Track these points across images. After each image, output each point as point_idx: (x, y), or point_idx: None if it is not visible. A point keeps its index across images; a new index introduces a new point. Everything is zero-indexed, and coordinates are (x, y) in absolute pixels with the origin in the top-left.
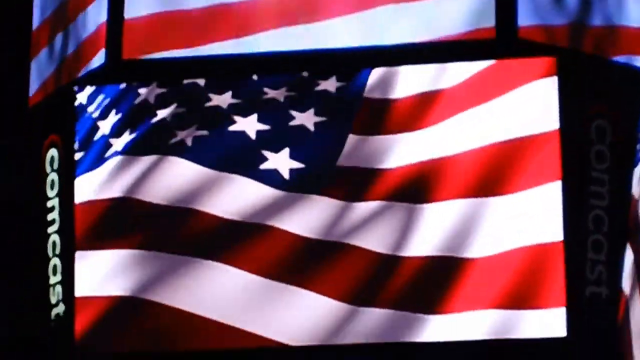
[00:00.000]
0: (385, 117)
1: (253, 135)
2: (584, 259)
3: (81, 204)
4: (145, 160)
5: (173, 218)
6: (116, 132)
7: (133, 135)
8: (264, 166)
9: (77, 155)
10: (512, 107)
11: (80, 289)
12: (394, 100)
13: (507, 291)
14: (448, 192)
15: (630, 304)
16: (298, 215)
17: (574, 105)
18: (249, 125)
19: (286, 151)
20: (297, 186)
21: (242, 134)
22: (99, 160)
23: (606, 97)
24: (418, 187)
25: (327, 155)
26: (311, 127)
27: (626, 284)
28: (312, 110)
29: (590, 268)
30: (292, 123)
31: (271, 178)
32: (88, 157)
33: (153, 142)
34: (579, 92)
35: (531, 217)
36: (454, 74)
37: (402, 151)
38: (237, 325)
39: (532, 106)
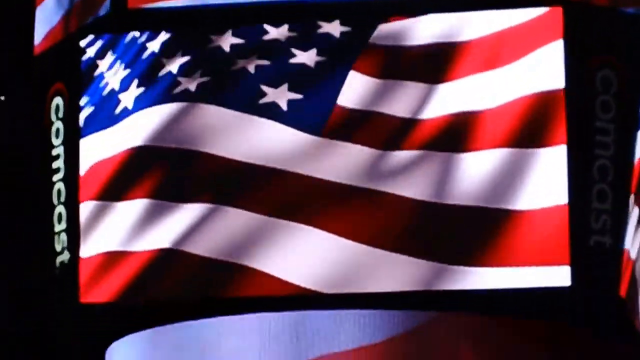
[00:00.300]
0: (394, 64)
1: (252, 70)
2: (588, 209)
3: (101, 161)
4: (158, 111)
5: (189, 162)
6: (125, 87)
7: (142, 89)
8: (263, 100)
9: (87, 111)
10: (530, 66)
11: (107, 243)
12: (403, 48)
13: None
14: (474, 144)
15: (637, 268)
16: (322, 160)
17: (579, 55)
18: (250, 62)
19: (285, 86)
20: (298, 120)
21: (243, 70)
22: (110, 119)
23: (612, 47)
24: (443, 137)
25: (327, 91)
26: (312, 65)
27: (631, 246)
28: (314, 50)
29: (594, 217)
30: (292, 60)
31: (270, 111)
32: (99, 114)
33: (164, 93)
34: (585, 42)
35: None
36: (468, 27)
37: (421, 101)
38: (271, 271)
39: (550, 65)
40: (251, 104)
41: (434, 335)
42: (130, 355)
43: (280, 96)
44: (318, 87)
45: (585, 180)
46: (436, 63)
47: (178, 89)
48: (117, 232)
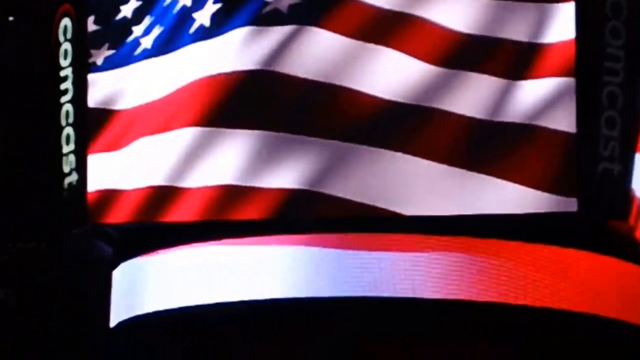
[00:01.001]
0: None
1: None
2: (597, 136)
3: (169, 94)
4: (192, 48)
5: (254, 85)
6: (148, 31)
7: (163, 28)
8: (265, 10)
9: (108, 52)
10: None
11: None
12: None
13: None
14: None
15: None
16: (367, 73)
17: None
18: None
19: None
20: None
21: None
22: (128, 58)
23: None
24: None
25: None
26: None
27: None
28: None
29: (603, 144)
30: None
31: (270, 18)
32: (118, 53)
33: (182, 32)
34: None
35: None
36: None
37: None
38: (351, 197)
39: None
40: (257, 17)
41: (442, 263)
42: (135, 276)
43: (282, 2)
44: None
45: (594, 107)
46: None
47: (194, 26)
48: (193, 159)
